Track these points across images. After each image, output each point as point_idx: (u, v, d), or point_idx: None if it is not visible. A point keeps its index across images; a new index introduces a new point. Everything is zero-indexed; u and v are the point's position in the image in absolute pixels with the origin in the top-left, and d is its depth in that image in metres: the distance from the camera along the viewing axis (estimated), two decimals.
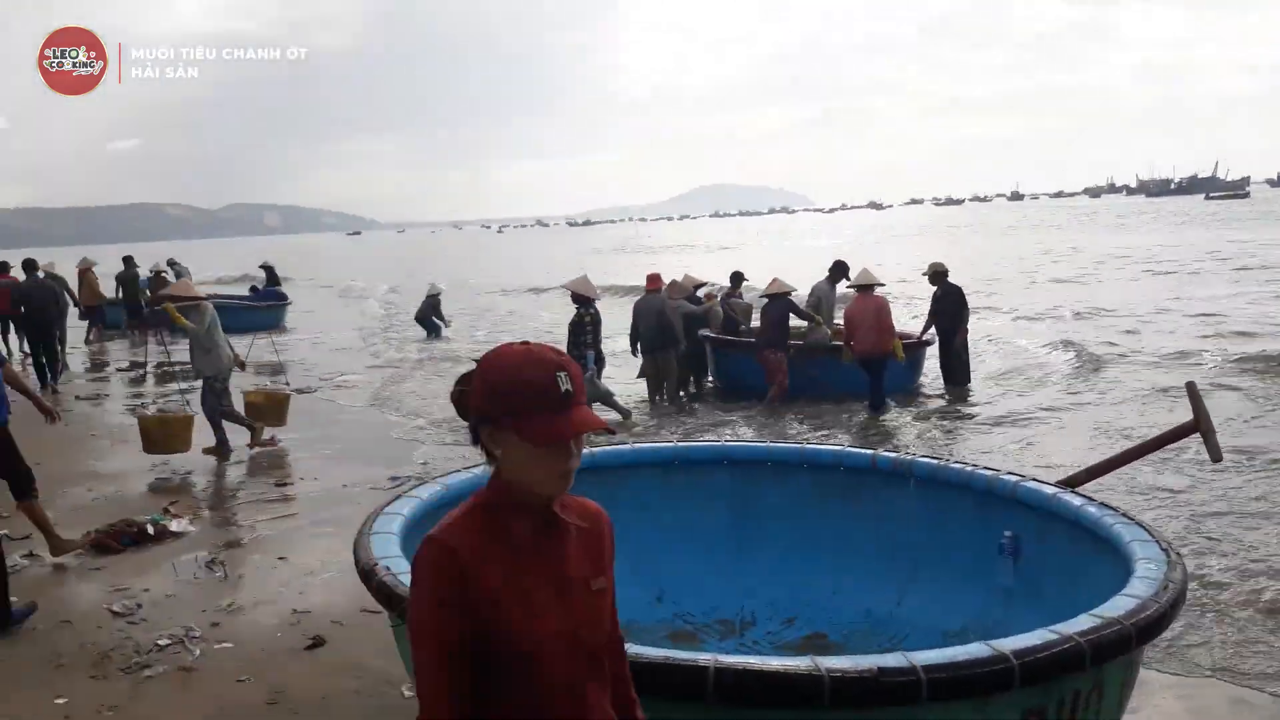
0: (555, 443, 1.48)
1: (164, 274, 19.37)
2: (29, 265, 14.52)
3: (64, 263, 18.13)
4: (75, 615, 4.99)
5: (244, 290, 25.06)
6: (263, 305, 21.42)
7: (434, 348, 17.67)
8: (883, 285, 10.43)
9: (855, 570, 4.39)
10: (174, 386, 10.57)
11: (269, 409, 9.16)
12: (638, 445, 5.29)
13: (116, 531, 6.22)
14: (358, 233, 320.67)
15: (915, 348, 11.34)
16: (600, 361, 9.80)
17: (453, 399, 1.63)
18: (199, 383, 8.86)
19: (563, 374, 1.50)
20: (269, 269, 23.18)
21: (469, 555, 1.48)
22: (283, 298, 22.54)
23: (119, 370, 14.37)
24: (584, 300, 9.74)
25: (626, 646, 1.78)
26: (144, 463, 8.36)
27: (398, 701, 3.94)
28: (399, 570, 3.04)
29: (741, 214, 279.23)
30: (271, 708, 3.92)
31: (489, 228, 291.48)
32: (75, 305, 16.49)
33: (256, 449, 8.78)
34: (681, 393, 11.21)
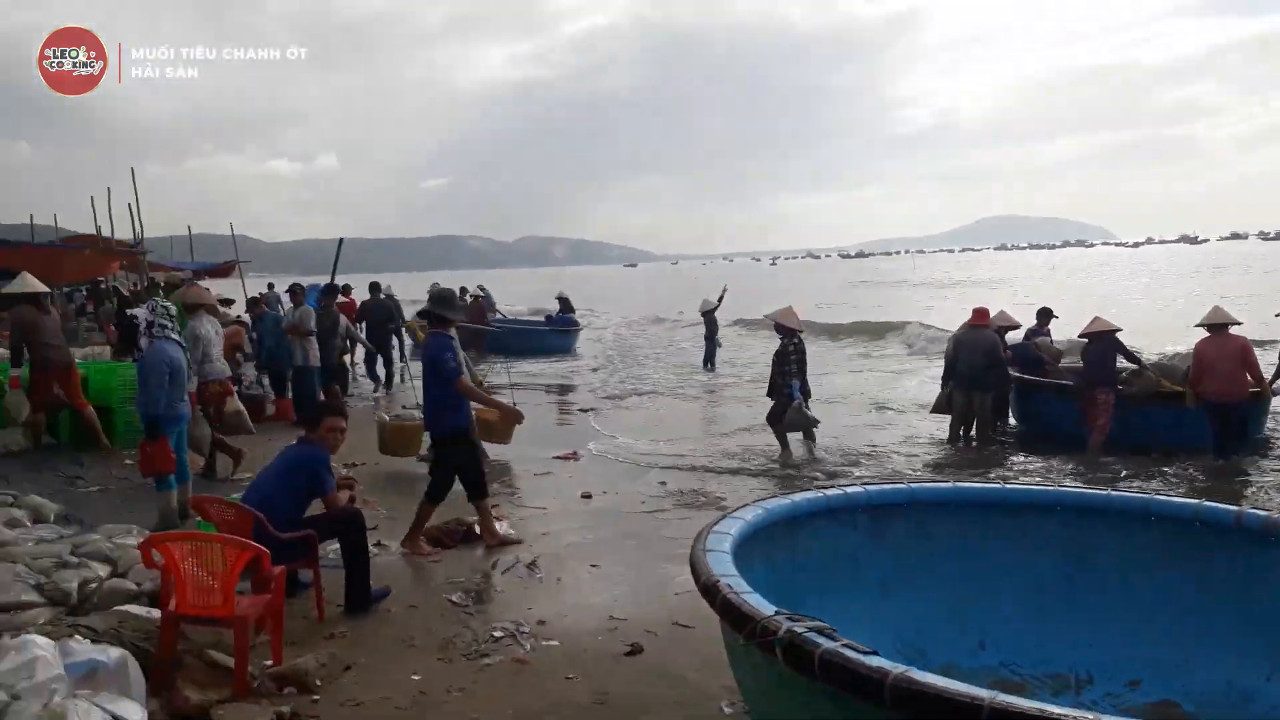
0: None
1: (479, 298, 21.32)
2: (374, 287, 16.56)
3: (398, 286, 20.31)
4: (420, 602, 5.52)
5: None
6: (557, 330, 23.05)
7: (694, 378, 18.25)
8: (1239, 324, 9.42)
9: (1212, 637, 3.96)
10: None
11: (500, 427, 9.54)
12: (958, 484, 5.11)
13: (450, 530, 6.87)
14: (634, 265, 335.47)
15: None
16: (806, 392, 9.96)
17: None
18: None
19: None
20: (564, 299, 24.86)
21: None
22: (574, 324, 24.06)
23: None
24: (788, 331, 9.94)
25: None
26: None
27: (718, 715, 4.03)
28: (741, 590, 3.12)
29: (1031, 247, 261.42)
30: (599, 707, 4.13)
31: (759, 260, 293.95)
32: (404, 325, 18.39)
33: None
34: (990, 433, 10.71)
